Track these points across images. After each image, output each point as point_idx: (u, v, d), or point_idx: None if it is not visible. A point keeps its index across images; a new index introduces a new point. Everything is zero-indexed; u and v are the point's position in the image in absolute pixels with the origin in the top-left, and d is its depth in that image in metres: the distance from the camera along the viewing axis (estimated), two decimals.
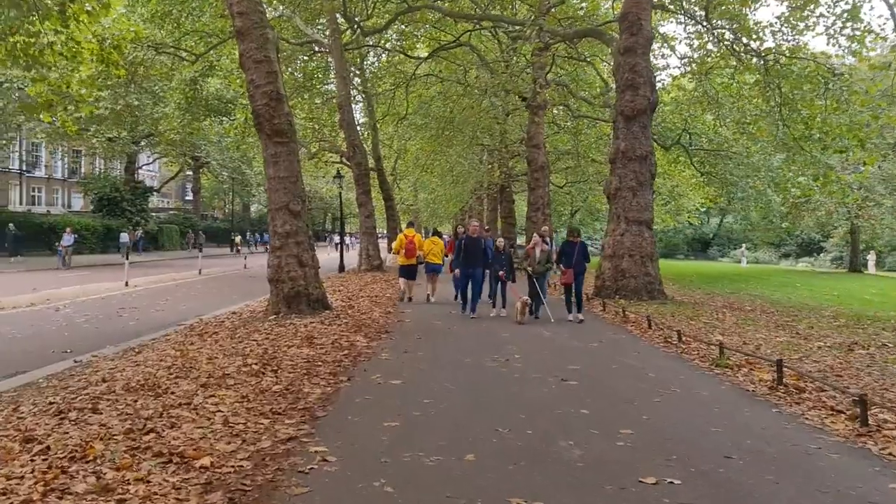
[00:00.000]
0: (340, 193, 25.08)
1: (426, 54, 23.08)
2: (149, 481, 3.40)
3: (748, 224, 47.76)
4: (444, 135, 24.28)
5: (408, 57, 23.91)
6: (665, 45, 22.41)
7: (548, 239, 12.04)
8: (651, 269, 13.49)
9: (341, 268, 22.07)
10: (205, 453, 3.81)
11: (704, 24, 16.99)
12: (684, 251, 58.95)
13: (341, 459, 3.90)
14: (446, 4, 19.88)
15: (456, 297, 12.35)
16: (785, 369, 6.12)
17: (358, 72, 26.73)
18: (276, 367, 6.27)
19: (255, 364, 6.28)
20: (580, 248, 10.74)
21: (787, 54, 16.17)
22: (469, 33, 21.10)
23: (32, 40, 8.81)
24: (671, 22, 24.72)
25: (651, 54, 15.15)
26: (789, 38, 16.60)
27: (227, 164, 42.18)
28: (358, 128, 24.33)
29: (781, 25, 16.41)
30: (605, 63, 22.73)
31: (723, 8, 15.91)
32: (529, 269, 11.25)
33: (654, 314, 10.36)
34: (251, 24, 9.81)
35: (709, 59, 18.50)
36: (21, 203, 41.79)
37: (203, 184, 54.23)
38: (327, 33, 20.77)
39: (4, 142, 34.30)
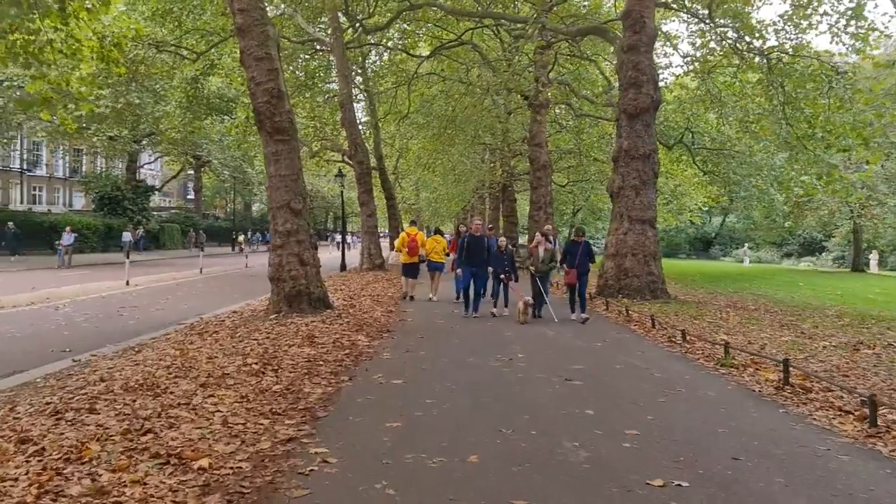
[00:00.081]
0: (342, 192, 25.02)
1: (428, 53, 23.04)
2: (145, 483, 3.33)
3: (750, 223, 47.67)
4: (445, 133, 24.19)
5: (409, 55, 23.89)
6: (668, 43, 22.36)
7: (552, 237, 11.92)
8: (654, 269, 13.42)
9: (343, 267, 22.05)
10: (203, 454, 3.75)
11: (707, 22, 16.92)
12: (686, 250, 58.82)
13: (342, 461, 3.84)
14: (448, 2, 19.80)
15: (458, 296, 12.27)
16: (791, 369, 6.06)
17: (360, 70, 26.68)
18: (276, 367, 6.20)
19: (256, 363, 6.21)
20: (584, 248, 10.67)
21: (791, 53, 16.11)
22: (471, 31, 21.04)
23: (32, 38, 8.73)
24: (674, 20, 24.67)
25: (654, 53, 15.07)
26: (792, 36, 16.51)
27: (228, 163, 42.12)
28: (360, 126, 24.24)
29: (784, 24, 16.30)
30: (607, 61, 22.65)
31: (726, 6, 15.83)
32: (532, 268, 11.18)
33: (657, 313, 10.29)
34: (252, 20, 9.77)
35: (711, 58, 18.45)
36: (22, 202, 41.80)
37: (204, 183, 54.22)
38: (329, 32, 20.69)
39: (5, 141, 34.24)
